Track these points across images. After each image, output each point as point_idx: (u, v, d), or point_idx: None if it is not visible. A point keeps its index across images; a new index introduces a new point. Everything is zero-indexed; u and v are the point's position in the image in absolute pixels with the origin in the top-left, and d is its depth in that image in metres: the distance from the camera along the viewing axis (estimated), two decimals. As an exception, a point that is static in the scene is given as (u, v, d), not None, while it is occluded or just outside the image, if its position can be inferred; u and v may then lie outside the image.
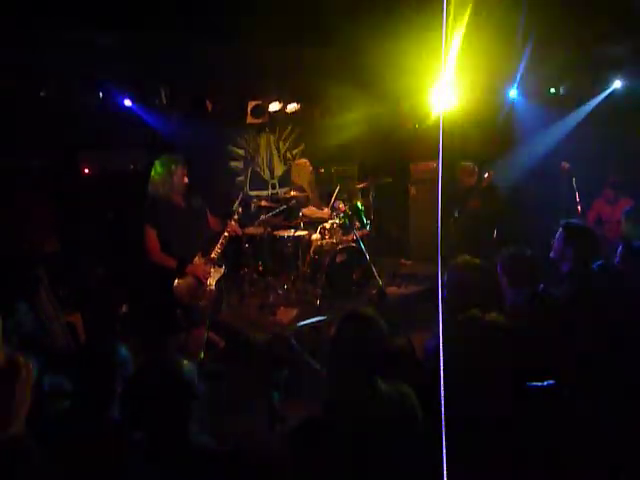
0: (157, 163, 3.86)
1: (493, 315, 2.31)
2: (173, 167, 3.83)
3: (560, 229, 2.87)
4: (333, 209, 5.56)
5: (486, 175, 5.34)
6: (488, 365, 2.16)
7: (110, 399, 1.99)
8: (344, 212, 5.36)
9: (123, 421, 2.05)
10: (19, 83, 4.15)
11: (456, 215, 5.35)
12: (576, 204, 5.04)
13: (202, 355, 4.12)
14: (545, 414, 2.20)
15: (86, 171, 4.97)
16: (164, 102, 5.13)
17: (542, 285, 2.78)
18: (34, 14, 3.27)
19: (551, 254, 2.91)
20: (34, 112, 4.33)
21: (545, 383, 2.28)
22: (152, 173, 3.85)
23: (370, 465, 1.72)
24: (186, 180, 3.92)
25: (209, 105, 5.52)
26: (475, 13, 4.20)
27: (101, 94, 4.67)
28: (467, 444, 1.85)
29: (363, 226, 5.56)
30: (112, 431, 1.96)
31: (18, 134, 4.26)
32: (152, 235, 3.79)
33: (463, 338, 2.18)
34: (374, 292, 4.96)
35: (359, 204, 5.68)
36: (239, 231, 4.32)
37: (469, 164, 5.38)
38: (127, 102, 4.89)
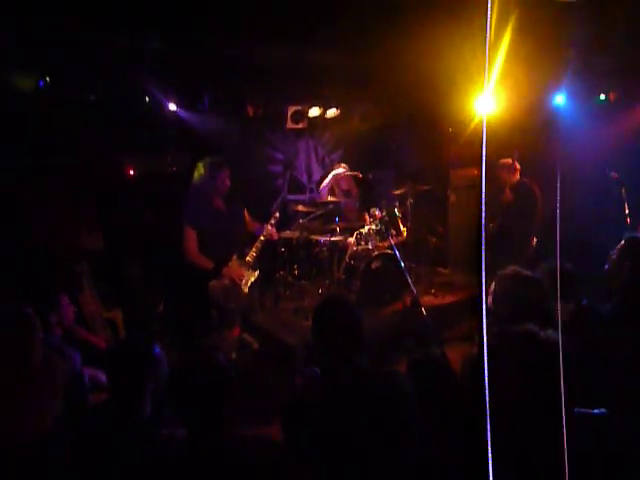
0: (200, 165, 3.94)
1: (550, 332, 2.20)
2: (216, 169, 3.90)
3: (622, 242, 2.75)
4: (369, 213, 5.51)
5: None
6: (539, 385, 2.05)
7: (142, 397, 2.04)
8: (380, 218, 5.32)
9: (155, 418, 2.10)
10: (71, 88, 4.33)
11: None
12: (625, 216, 4.82)
13: (234, 356, 4.18)
14: (594, 443, 2.08)
15: (131, 172, 5.14)
16: (207, 106, 5.24)
17: (586, 301, 2.67)
18: (82, 19, 3.40)
19: (606, 267, 2.78)
20: (84, 115, 4.51)
21: (596, 411, 2.16)
22: (195, 175, 3.94)
23: (352, 439, 1.77)
24: (228, 182, 3.98)
25: (250, 110, 5.60)
26: (521, 17, 4.10)
27: (147, 98, 4.82)
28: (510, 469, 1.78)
29: (399, 233, 5.50)
30: (143, 428, 2.00)
31: (69, 135, 4.44)
32: (191, 236, 3.87)
33: (514, 353, 2.09)
34: (408, 301, 4.89)
35: (396, 210, 5.62)
36: (275, 236, 4.36)
37: (508, 160, 5.23)
38: (172, 106, 5.02)
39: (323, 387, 1.93)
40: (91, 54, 4.03)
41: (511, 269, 2.37)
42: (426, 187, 5.73)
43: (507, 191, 5.15)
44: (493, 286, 2.35)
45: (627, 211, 4.81)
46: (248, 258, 4.03)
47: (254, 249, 4.06)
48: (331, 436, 1.77)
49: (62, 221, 4.64)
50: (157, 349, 2.14)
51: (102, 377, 3.00)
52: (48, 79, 4.10)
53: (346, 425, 1.78)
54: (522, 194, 5.18)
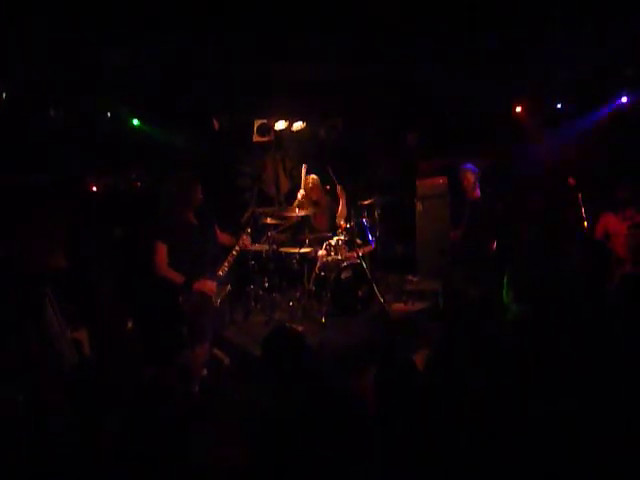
0: (172, 180, 3.87)
1: (504, 332, 2.28)
2: (189, 183, 3.86)
3: (567, 244, 2.88)
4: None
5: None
6: (490, 382, 2.13)
7: (108, 414, 2.00)
8: (347, 228, 5.36)
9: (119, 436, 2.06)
10: (29, 102, 4.23)
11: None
12: (582, 220, 5.00)
13: (205, 372, 4.12)
14: (549, 436, 2.16)
15: (93, 189, 5.04)
16: (172, 121, 5.21)
17: (547, 300, 2.76)
18: (44, 33, 3.35)
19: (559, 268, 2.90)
20: (43, 130, 4.41)
21: (552, 405, 2.24)
22: (167, 190, 3.86)
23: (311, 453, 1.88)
24: (201, 196, 3.94)
25: (216, 123, 5.59)
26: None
27: (109, 113, 4.76)
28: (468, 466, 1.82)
29: (366, 243, 5.56)
30: (109, 445, 1.96)
31: (27, 152, 4.33)
32: (162, 250, 3.78)
33: (465, 354, 2.16)
34: (377, 309, 4.95)
35: (364, 220, 5.69)
36: (250, 245, 4.30)
37: (471, 165, 5.43)
38: (135, 121, 4.98)
39: (277, 406, 2.04)
40: (52, 68, 3.97)
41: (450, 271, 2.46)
42: (393, 197, 5.82)
43: (476, 190, 5.31)
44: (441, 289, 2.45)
45: (584, 215, 4.98)
46: (220, 272, 3.98)
47: (226, 263, 4.01)
48: (292, 452, 1.80)
49: (25, 240, 4.50)
50: (123, 367, 2.10)
51: (67, 397, 2.92)
52: (4, 95, 4.00)
53: (303, 441, 1.86)
54: (482, 201, 5.36)
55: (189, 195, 3.85)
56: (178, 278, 3.79)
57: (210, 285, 3.89)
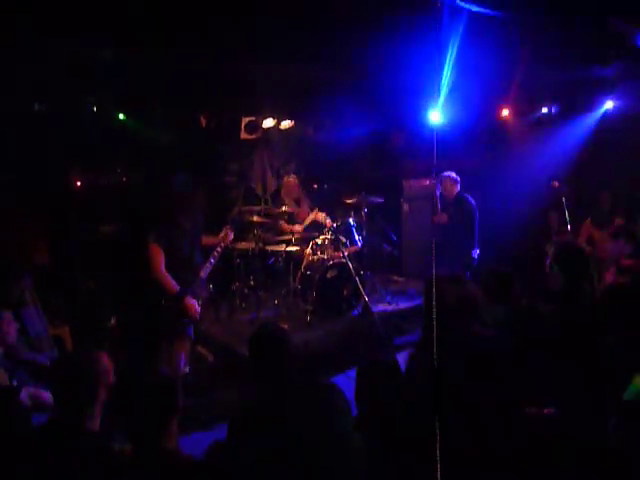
0: (176, 181, 3.82)
1: (487, 332, 2.29)
2: (193, 187, 3.83)
3: (552, 247, 2.92)
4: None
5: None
6: (471, 382, 2.14)
7: (91, 409, 1.98)
8: (330, 227, 5.36)
9: (105, 433, 2.04)
10: (13, 97, 4.17)
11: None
12: (566, 223, 5.07)
13: (187, 369, 4.09)
14: (540, 442, 2.17)
15: (78, 184, 4.98)
16: (158, 117, 5.17)
17: (525, 302, 2.80)
18: (28, 28, 3.31)
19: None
20: (27, 125, 4.35)
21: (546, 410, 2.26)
22: (170, 191, 3.81)
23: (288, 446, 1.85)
24: (203, 202, 3.91)
25: (203, 120, 5.56)
26: (468, 34, 4.28)
27: (95, 108, 4.70)
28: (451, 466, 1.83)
29: (352, 242, 5.58)
30: (93, 442, 1.94)
31: (10, 147, 4.27)
32: (158, 253, 3.71)
33: (457, 354, 2.17)
34: (360, 309, 4.97)
35: (351, 220, 5.70)
36: (230, 240, 4.23)
37: (451, 172, 5.42)
38: (121, 116, 4.93)
39: (259, 404, 2.02)
40: (37, 63, 3.92)
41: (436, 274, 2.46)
42: (380, 197, 5.84)
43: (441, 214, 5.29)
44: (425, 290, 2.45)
45: (567, 218, 5.05)
46: (202, 273, 3.93)
47: (208, 264, 3.96)
48: (270, 450, 1.80)
49: (7, 235, 4.44)
50: (104, 360, 2.08)
51: (45, 395, 2.89)
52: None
53: (285, 440, 1.83)
54: (461, 205, 5.35)
55: (192, 199, 3.82)
56: (172, 286, 3.72)
57: (196, 309, 3.82)
